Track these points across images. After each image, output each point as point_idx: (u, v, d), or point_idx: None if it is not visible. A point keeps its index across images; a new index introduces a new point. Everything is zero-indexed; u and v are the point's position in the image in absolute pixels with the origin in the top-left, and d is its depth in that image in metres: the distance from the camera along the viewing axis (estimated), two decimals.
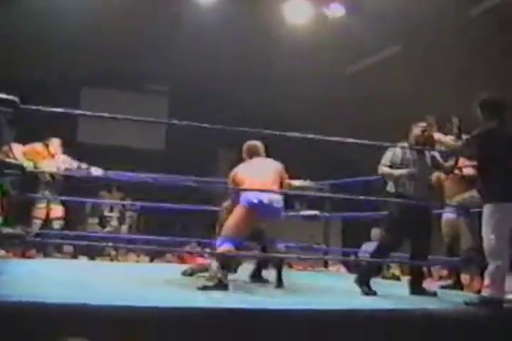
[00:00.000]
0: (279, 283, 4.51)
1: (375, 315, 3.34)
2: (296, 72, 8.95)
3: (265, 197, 4.31)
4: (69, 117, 8.81)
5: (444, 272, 6.41)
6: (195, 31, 8.20)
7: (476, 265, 4.70)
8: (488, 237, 3.67)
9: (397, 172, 4.30)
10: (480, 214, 3.81)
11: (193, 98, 10.66)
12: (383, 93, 8.63)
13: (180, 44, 8.57)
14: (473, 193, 4.58)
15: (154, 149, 11.44)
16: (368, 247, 7.31)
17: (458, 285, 5.18)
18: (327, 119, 9.48)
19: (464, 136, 4.06)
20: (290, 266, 7.32)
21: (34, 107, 3.32)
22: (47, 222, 6.51)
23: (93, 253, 7.75)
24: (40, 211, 6.48)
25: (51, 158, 6.52)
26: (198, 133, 7.64)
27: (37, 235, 6.05)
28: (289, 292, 4.31)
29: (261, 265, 5.00)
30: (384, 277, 6.53)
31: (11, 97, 3.07)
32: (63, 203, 6.70)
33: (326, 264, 7.41)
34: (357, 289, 4.20)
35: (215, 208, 5.63)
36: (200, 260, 6.32)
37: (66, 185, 6.73)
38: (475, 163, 4.22)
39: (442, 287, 5.25)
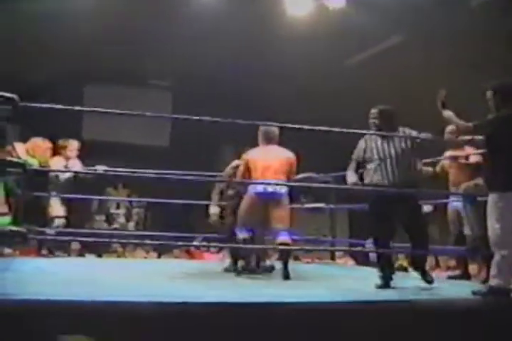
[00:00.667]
0: (286, 274, 4.53)
1: (382, 306, 3.35)
2: (296, 65, 8.93)
3: (271, 186, 4.69)
4: (73, 115, 8.79)
5: (452, 262, 6.40)
6: (196, 25, 8.19)
7: (481, 254, 4.69)
8: (492, 227, 3.64)
9: (348, 179, 4.40)
10: (485, 202, 3.79)
11: (196, 92, 10.62)
12: (385, 83, 8.58)
13: (182, 38, 8.56)
14: (479, 181, 4.56)
15: (159, 146, 11.44)
16: None
17: (466, 276, 5.17)
18: (329, 111, 9.43)
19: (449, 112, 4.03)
20: (297, 259, 7.33)
21: (33, 104, 3.30)
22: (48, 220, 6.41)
23: (100, 250, 7.75)
24: (57, 209, 6.17)
25: (55, 155, 6.31)
26: (203, 130, 7.60)
27: (58, 234, 5.85)
28: (294, 284, 4.34)
29: (259, 256, 5.08)
30: None
31: (8, 95, 3.05)
32: (66, 202, 6.54)
33: (333, 256, 7.42)
34: (362, 281, 4.20)
35: (222, 203, 5.64)
36: (206, 255, 6.34)
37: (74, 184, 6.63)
38: (482, 151, 4.19)
39: (450, 277, 5.26)
